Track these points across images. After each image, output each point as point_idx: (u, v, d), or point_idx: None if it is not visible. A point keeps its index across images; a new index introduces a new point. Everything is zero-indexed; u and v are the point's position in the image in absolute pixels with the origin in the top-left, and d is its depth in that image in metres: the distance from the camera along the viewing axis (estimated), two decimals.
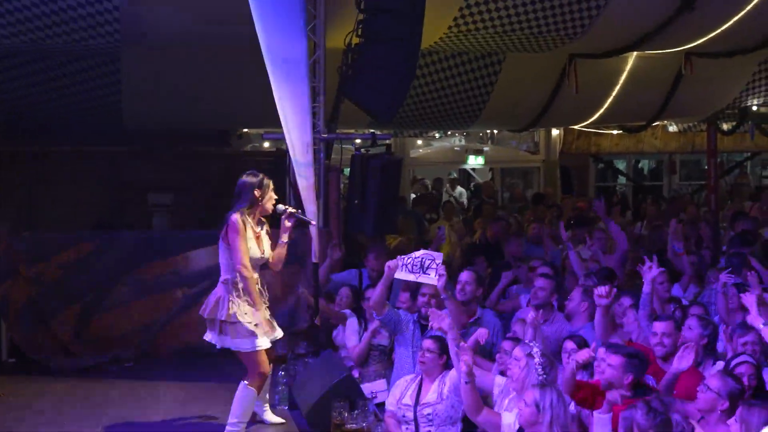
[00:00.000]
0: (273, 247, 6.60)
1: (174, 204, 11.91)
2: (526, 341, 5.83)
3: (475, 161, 19.30)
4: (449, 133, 18.46)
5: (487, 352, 6.70)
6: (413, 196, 18.36)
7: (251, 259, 6.32)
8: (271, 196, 6.44)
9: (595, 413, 5.13)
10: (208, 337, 6.40)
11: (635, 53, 12.05)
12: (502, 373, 5.99)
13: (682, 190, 21.04)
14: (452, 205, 15.46)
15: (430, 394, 6.08)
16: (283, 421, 6.75)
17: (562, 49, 10.93)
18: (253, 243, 6.36)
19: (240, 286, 6.28)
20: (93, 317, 8.65)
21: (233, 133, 14.35)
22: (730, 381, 5.07)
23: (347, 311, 7.92)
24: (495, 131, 19.06)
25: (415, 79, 11.00)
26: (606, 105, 13.52)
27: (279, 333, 6.55)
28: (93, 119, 11.48)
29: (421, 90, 11.76)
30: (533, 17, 9.39)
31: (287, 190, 9.17)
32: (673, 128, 18.62)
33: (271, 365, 6.65)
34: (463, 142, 19.70)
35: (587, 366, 5.55)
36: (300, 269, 8.63)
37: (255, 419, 6.63)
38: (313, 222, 6.90)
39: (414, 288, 7.30)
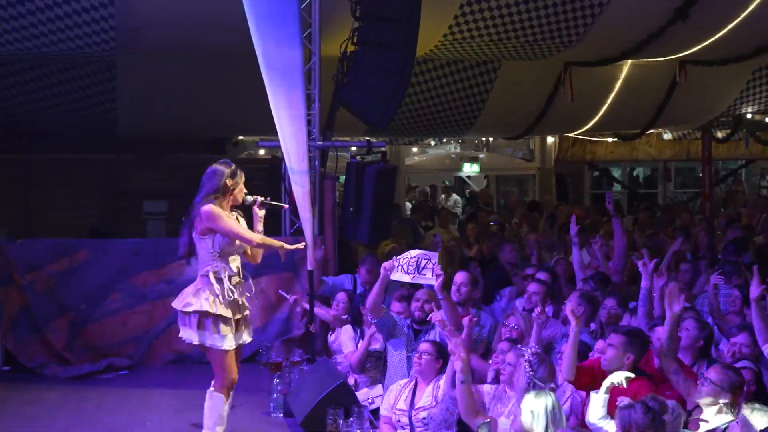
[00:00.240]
0: None
1: (169, 212, 11.91)
2: (525, 344, 5.88)
3: (470, 169, 19.34)
4: (444, 140, 18.49)
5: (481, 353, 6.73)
6: (408, 204, 18.36)
7: (228, 245, 6.05)
8: (242, 188, 6.23)
9: (592, 393, 5.14)
10: (185, 334, 6.08)
11: (630, 61, 12.10)
12: (497, 375, 6.00)
13: (676, 198, 21.09)
14: (448, 213, 15.45)
15: (425, 397, 6.07)
16: None
17: (557, 57, 10.97)
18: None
19: (224, 276, 6.03)
20: (87, 325, 8.62)
21: (228, 140, 14.37)
22: (730, 373, 5.08)
23: (345, 316, 7.90)
24: (490, 139, 19.12)
25: (410, 86, 11.03)
26: (601, 113, 13.57)
27: (247, 338, 6.31)
28: (89, 127, 11.50)
29: (417, 98, 11.80)
30: (528, 25, 9.43)
31: (283, 198, 9.16)
32: (667, 136, 18.69)
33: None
34: (458, 150, 19.74)
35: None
36: (294, 276, 8.62)
37: None
38: (286, 206, 6.68)
39: (407, 297, 7.31)
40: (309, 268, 8.11)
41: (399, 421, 6.12)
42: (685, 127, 16.79)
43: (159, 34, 9.16)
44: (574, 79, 11.82)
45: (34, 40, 8.70)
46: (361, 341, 7.47)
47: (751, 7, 9.80)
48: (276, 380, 7.25)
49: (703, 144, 16.86)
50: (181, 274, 8.39)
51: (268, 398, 7.20)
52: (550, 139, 19.08)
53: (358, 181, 8.07)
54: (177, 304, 6.12)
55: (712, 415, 4.98)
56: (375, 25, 7.66)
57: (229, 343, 6.06)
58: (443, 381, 6.02)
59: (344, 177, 8.81)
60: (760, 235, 12.02)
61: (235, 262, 6.15)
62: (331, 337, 8.03)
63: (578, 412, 5.62)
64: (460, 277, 7.24)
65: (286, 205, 6.47)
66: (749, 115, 15.04)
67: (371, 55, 7.68)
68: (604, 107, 13.38)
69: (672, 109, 13.65)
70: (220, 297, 6.00)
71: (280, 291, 8.50)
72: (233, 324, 6.10)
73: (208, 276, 6.02)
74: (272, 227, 9.92)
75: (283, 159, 7.97)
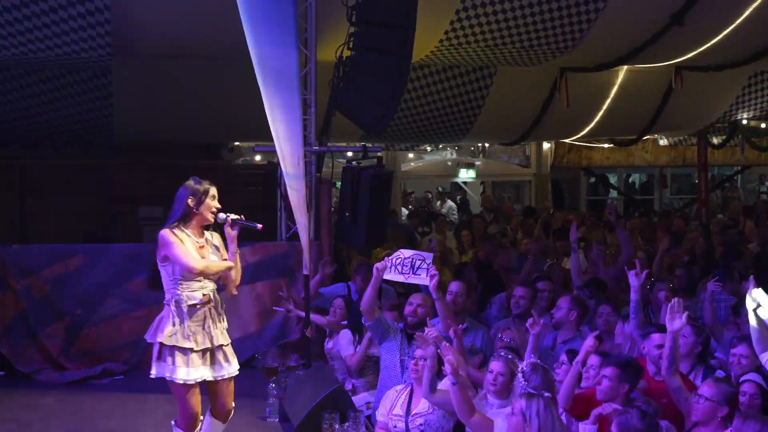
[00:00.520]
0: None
1: (164, 217, 11.85)
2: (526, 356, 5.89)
3: (466, 175, 19.35)
4: (441, 146, 18.50)
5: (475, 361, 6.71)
6: (405, 210, 18.36)
7: (188, 272, 5.66)
8: (209, 204, 5.76)
9: (581, 425, 5.14)
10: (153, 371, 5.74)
11: (626, 67, 12.12)
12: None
13: (672, 204, 21.11)
14: (445, 219, 15.46)
15: (422, 404, 6.05)
16: None
17: (553, 63, 10.98)
18: (193, 253, 5.71)
19: (183, 306, 5.66)
20: (82, 330, 8.60)
21: (224, 146, 14.37)
22: (723, 386, 5.12)
23: (344, 322, 7.90)
24: (486, 145, 19.13)
25: (406, 92, 11.03)
26: (597, 118, 13.59)
27: (229, 368, 5.79)
28: (84, 132, 11.49)
29: (413, 103, 11.80)
30: (524, 30, 9.45)
31: (278, 202, 9.16)
32: (663, 142, 18.72)
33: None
34: (454, 156, 19.75)
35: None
36: (290, 282, 8.61)
37: None
38: (259, 226, 5.92)
39: (398, 306, 7.30)
40: (305, 272, 8.11)
41: (395, 426, 6.10)
42: (681, 133, 16.81)
43: (154, 39, 9.17)
44: (569, 84, 11.83)
45: (29, 45, 8.70)
46: (359, 345, 7.47)
47: (747, 12, 9.83)
48: (272, 385, 7.23)
49: (699, 150, 16.90)
50: None
51: (263, 403, 7.18)
52: (546, 145, 19.11)
53: (354, 186, 8.06)
54: (147, 335, 5.82)
55: None
56: (371, 30, 7.66)
57: (186, 375, 5.64)
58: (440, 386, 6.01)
59: (340, 182, 8.81)
60: (754, 243, 12.08)
61: (204, 289, 5.72)
62: (329, 344, 8.02)
63: None
64: (455, 286, 7.23)
65: (260, 225, 5.92)
66: (745, 122, 15.06)
67: (367, 60, 7.67)
68: (600, 113, 13.39)
69: (668, 115, 13.66)
70: (179, 327, 5.64)
71: (280, 293, 8.45)
72: (201, 355, 5.67)
73: (170, 304, 5.71)
74: (268, 233, 9.94)
75: (278, 163, 7.97)
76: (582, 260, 9.32)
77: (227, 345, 5.84)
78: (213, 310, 5.78)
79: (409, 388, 6.20)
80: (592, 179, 21.18)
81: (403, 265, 6.73)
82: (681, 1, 9.42)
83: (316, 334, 8.25)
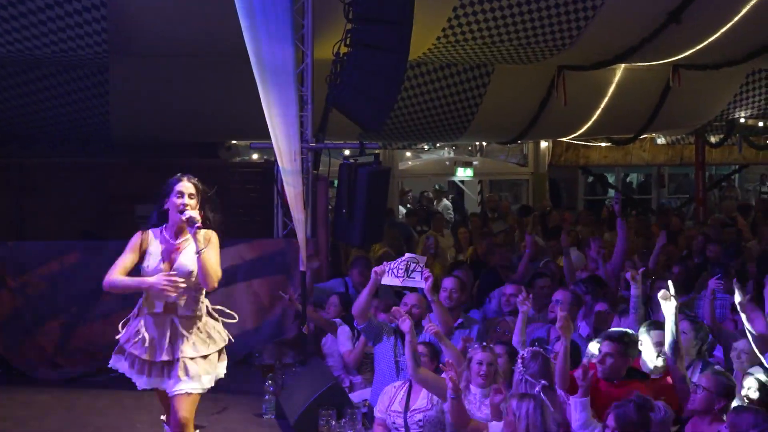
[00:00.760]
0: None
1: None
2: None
3: (464, 173, 19.33)
4: (438, 145, 18.48)
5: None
6: (402, 208, 18.34)
7: (148, 274, 5.33)
8: (174, 202, 5.31)
9: (572, 398, 5.18)
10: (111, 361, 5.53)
11: (623, 65, 12.11)
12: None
13: (670, 204, 21.10)
14: (442, 217, 15.45)
15: (420, 399, 6.06)
16: None
17: (551, 61, 10.97)
18: (155, 258, 5.32)
19: (146, 312, 5.35)
20: (78, 328, 8.59)
21: (221, 145, 14.35)
22: (721, 378, 5.20)
23: (337, 320, 7.89)
24: (484, 143, 19.11)
25: (403, 90, 11.04)
26: (594, 117, 13.57)
27: (190, 384, 5.29)
28: (81, 130, 11.46)
29: (410, 101, 11.78)
30: (522, 28, 9.43)
31: (275, 199, 9.15)
32: (661, 141, 18.70)
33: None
34: (452, 155, 19.72)
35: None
36: (287, 279, 8.60)
37: None
38: (198, 225, 5.25)
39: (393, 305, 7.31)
40: (301, 269, 8.10)
41: (394, 423, 6.11)
42: (678, 131, 16.81)
43: (151, 36, 9.15)
44: (567, 83, 11.82)
45: (25, 42, 8.68)
46: (357, 341, 7.46)
47: (744, 10, 9.82)
48: (268, 382, 7.24)
49: (697, 149, 16.89)
50: None
51: (260, 400, 7.18)
52: (543, 144, 19.08)
53: (351, 183, 8.05)
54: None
55: None
56: (368, 27, 7.65)
57: (137, 382, 5.38)
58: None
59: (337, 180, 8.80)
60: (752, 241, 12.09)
61: (171, 297, 5.28)
62: (324, 341, 8.02)
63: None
64: (449, 282, 7.23)
65: (202, 249, 5.21)
66: (742, 120, 15.05)
67: (364, 56, 7.66)
68: (598, 111, 13.38)
69: (665, 114, 13.65)
70: (141, 335, 5.33)
71: (279, 292, 8.44)
72: (153, 365, 5.31)
73: (137, 306, 5.45)
74: (265, 229, 9.93)
75: (275, 161, 7.96)
76: (577, 258, 9.33)
77: (197, 358, 5.33)
78: (184, 321, 5.33)
79: (407, 384, 6.20)
80: (590, 178, 21.17)
81: (398, 269, 6.73)
82: None
83: (313, 330, 8.24)
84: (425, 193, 19.32)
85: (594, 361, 5.72)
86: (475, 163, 19.42)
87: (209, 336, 5.41)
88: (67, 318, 8.56)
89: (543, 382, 5.04)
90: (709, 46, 10.80)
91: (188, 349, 5.31)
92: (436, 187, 19.75)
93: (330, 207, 9.62)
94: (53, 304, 8.55)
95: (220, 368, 5.46)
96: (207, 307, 5.50)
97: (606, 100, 13.05)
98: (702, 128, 15.63)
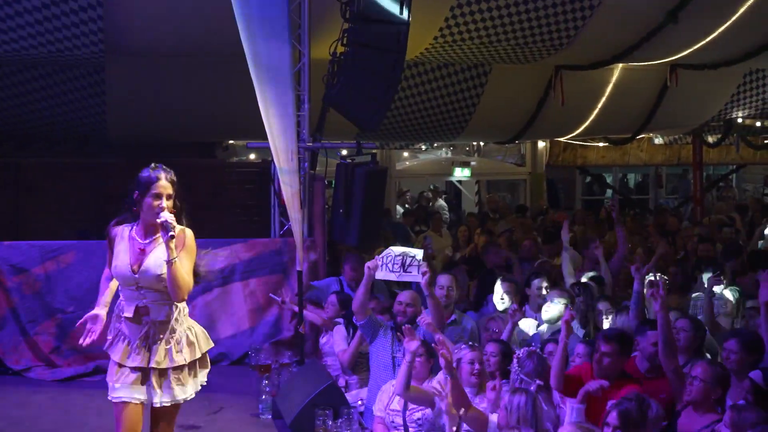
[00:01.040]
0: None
1: None
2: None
3: (461, 173, 19.32)
4: (435, 145, 18.48)
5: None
6: (400, 208, 18.33)
7: (121, 279, 5.03)
8: (150, 204, 4.92)
9: (570, 402, 5.20)
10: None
11: (621, 65, 12.11)
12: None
13: (668, 204, 21.11)
14: (440, 217, 15.46)
15: None
16: None
17: (548, 61, 10.97)
18: (124, 256, 4.99)
19: (122, 316, 5.05)
20: (74, 328, 8.54)
21: (219, 145, 14.33)
22: (717, 368, 5.25)
23: (339, 320, 7.87)
24: (481, 143, 19.10)
25: (401, 90, 11.03)
26: (592, 117, 13.57)
27: (164, 397, 4.98)
28: (77, 130, 11.44)
29: (407, 101, 11.77)
30: (519, 27, 9.43)
31: (272, 199, 9.13)
32: (658, 141, 18.70)
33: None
34: (449, 155, 19.72)
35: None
36: (283, 278, 8.58)
37: None
38: (174, 232, 4.86)
39: (388, 309, 7.30)
40: (298, 269, 8.08)
41: (393, 421, 6.10)
42: (676, 131, 16.81)
43: (148, 36, 9.14)
44: (564, 83, 11.82)
45: (21, 42, 8.66)
46: (352, 340, 7.45)
47: (742, 10, 9.83)
48: (265, 382, 7.22)
49: (694, 149, 16.89)
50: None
51: (256, 400, 7.16)
52: (541, 144, 19.08)
53: (348, 183, 8.03)
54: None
55: None
56: (365, 27, 7.62)
57: (118, 393, 4.99)
58: (436, 381, 6.00)
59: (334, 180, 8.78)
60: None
61: (144, 299, 4.98)
62: (323, 339, 8.00)
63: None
64: (444, 280, 7.23)
65: (174, 258, 4.83)
66: (740, 120, 15.05)
67: (361, 55, 7.63)
68: (595, 111, 13.38)
69: (663, 114, 13.65)
70: (114, 339, 5.09)
71: (270, 295, 8.45)
72: (133, 372, 4.99)
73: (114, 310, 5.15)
74: (262, 229, 9.92)
75: (272, 160, 7.95)
76: (573, 257, 9.32)
77: (176, 368, 5.01)
78: (159, 325, 4.99)
79: None
80: (588, 178, 21.17)
81: (394, 263, 6.74)
82: None
83: (310, 330, 8.23)
84: (424, 193, 19.31)
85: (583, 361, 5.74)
86: (472, 163, 19.41)
87: (189, 343, 5.08)
88: (63, 318, 8.52)
89: (538, 381, 5.06)
90: (707, 45, 10.81)
91: (164, 357, 4.97)
92: (432, 187, 19.76)
93: (327, 207, 9.60)
94: (49, 304, 8.52)
95: (201, 376, 5.16)
96: (184, 310, 5.15)
97: (603, 100, 13.05)
98: (699, 128, 15.63)
